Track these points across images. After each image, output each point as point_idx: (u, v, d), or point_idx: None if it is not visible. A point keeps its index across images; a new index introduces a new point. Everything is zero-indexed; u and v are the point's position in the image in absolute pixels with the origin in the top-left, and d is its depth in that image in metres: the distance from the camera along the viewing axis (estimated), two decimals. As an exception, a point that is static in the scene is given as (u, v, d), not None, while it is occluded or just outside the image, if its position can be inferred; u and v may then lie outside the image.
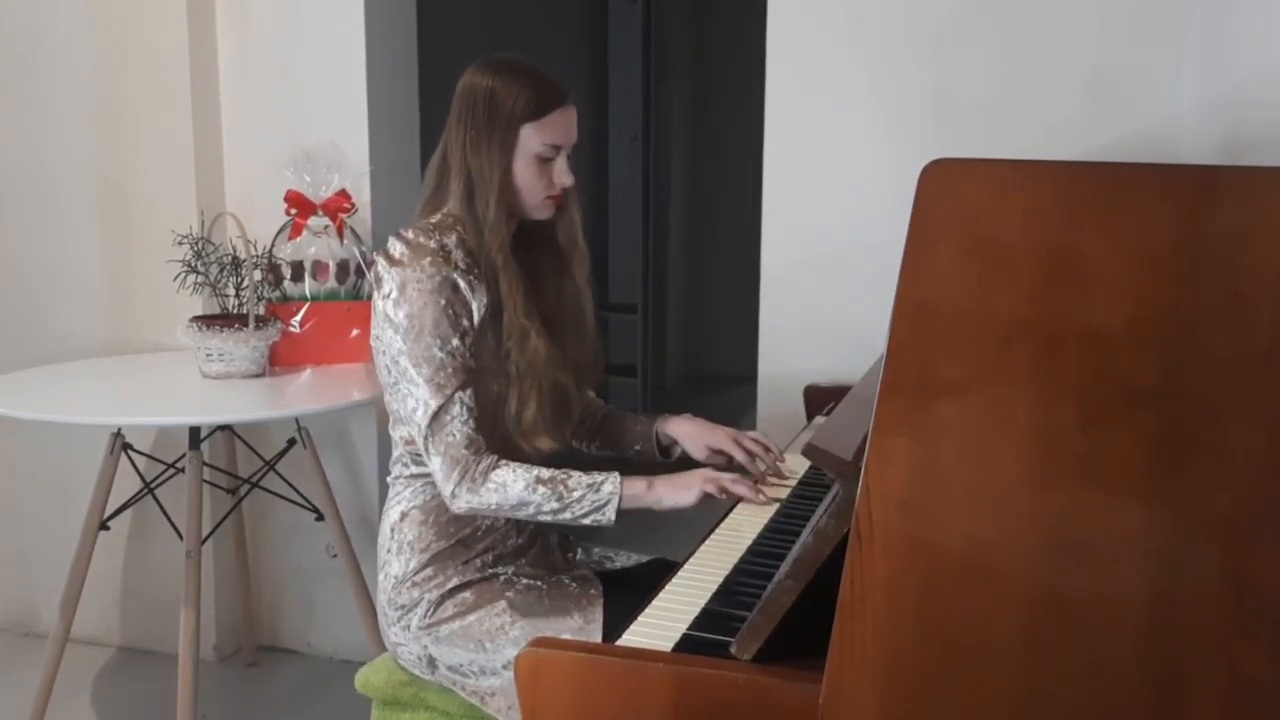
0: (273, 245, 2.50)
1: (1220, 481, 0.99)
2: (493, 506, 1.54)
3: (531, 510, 1.54)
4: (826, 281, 2.36)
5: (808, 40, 2.32)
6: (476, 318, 1.57)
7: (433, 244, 1.56)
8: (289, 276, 2.48)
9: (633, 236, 4.83)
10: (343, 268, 2.50)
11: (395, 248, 1.57)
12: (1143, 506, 1.01)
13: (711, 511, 1.64)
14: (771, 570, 1.35)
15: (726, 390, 5.39)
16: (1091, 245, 1.00)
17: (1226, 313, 0.98)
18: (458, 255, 1.57)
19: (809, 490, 1.71)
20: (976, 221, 1.02)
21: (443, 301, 1.53)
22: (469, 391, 1.54)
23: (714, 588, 1.37)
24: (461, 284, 1.55)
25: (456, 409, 1.53)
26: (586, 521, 1.55)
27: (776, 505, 1.64)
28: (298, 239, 2.49)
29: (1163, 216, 0.99)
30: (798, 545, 1.30)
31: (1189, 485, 1.00)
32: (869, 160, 2.30)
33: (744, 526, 1.60)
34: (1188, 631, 1.01)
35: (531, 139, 1.59)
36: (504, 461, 1.55)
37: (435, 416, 1.52)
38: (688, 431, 1.79)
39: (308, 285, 2.49)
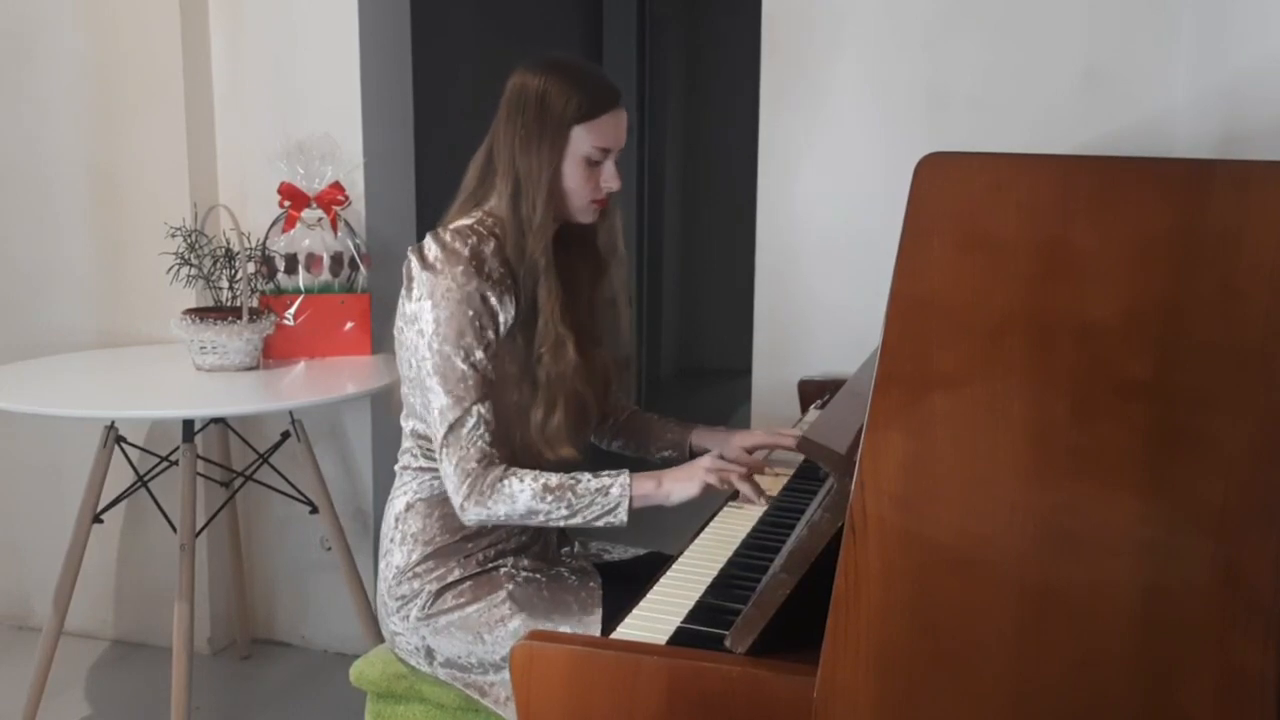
0: (266, 238, 2.49)
1: (1213, 474, 0.99)
2: (501, 517, 1.53)
3: (541, 518, 1.52)
4: (821, 275, 2.36)
5: (802, 33, 2.32)
6: (504, 328, 1.55)
7: (467, 252, 1.53)
8: (282, 269, 2.48)
9: (627, 229, 4.82)
10: (336, 260, 2.50)
11: (430, 250, 1.54)
12: (1136, 499, 1.01)
13: (706, 505, 1.64)
14: (766, 563, 1.35)
15: (721, 383, 5.40)
16: (1085, 238, 1.00)
17: (1220, 305, 0.98)
18: (492, 265, 1.54)
19: (803, 484, 1.71)
20: (971, 215, 1.02)
21: (470, 312, 1.52)
22: (487, 404, 1.53)
23: (708, 581, 1.38)
24: (491, 297, 1.53)
25: (473, 421, 1.51)
26: (599, 524, 1.53)
27: (772, 500, 1.64)
28: (291, 231, 2.48)
29: (1157, 209, 0.99)
30: (792, 539, 1.30)
31: (1182, 478, 1.00)
32: (863, 153, 2.30)
33: (738, 520, 1.60)
34: (1180, 623, 1.02)
35: (582, 141, 1.57)
36: (512, 471, 1.52)
37: (451, 427, 1.51)
38: (722, 437, 1.79)
39: (301, 278, 2.48)
